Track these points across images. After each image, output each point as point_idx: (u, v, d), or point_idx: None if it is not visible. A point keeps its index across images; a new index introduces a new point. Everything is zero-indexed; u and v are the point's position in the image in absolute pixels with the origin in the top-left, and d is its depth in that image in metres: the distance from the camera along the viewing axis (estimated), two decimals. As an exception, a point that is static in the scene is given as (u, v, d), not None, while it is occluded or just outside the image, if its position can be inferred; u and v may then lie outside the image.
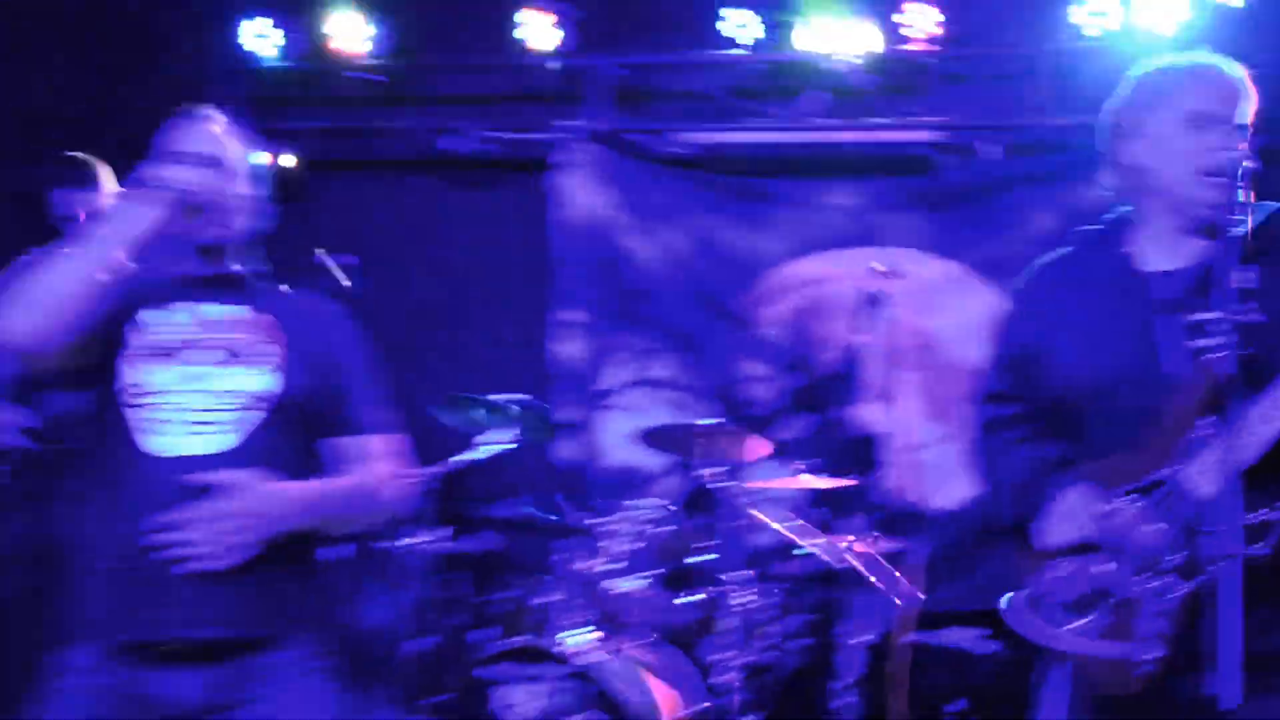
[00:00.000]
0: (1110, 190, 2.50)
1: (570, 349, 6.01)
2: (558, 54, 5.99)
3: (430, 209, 6.19)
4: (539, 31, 5.95)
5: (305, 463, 2.39)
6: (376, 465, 2.43)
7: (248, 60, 6.36)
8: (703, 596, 4.25)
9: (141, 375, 2.25)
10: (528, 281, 6.03)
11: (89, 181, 3.97)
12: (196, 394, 2.28)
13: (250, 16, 6.30)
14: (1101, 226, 2.51)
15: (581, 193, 6.01)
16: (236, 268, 2.43)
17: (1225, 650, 1.88)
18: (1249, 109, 2.31)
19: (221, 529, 2.17)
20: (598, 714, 3.78)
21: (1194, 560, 2.18)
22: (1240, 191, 2.22)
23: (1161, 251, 2.38)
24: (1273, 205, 2.30)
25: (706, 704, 4.10)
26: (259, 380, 2.32)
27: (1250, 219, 2.21)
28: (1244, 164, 2.22)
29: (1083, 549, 2.34)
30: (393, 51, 6.31)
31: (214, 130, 2.40)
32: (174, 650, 2.19)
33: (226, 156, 2.37)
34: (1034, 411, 2.51)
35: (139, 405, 2.24)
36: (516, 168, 6.30)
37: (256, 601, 2.26)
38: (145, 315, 2.32)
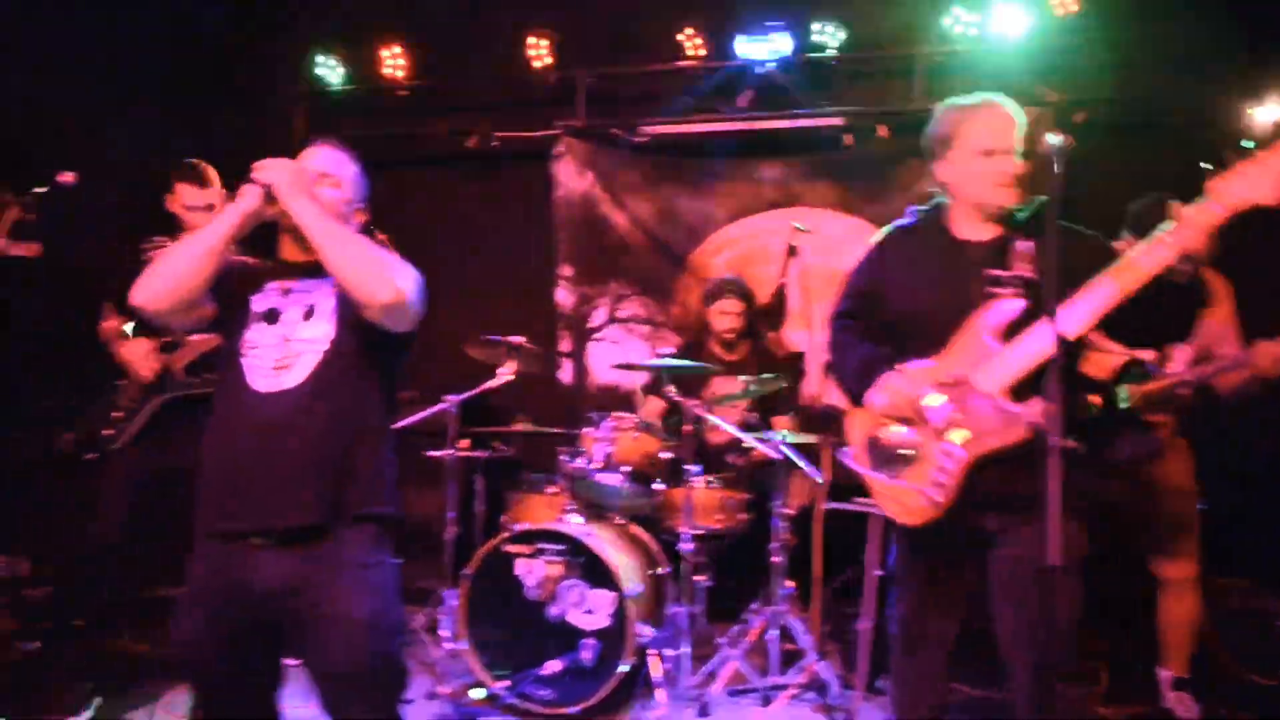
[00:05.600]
0: (937, 186, 2.64)
1: (567, 296, 5.73)
2: (549, 68, 5.59)
3: (458, 194, 6.04)
4: (535, 51, 5.57)
5: (363, 393, 2.28)
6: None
7: (318, 85, 6.39)
8: (665, 486, 4.03)
9: (253, 335, 2.29)
10: (535, 245, 5.85)
11: (203, 180, 3.93)
12: (283, 345, 2.27)
13: (319, 52, 6.34)
14: (930, 208, 2.66)
15: (571, 175, 5.83)
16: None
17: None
18: (1021, 135, 2.46)
19: None
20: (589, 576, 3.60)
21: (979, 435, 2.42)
22: (1018, 192, 2.46)
23: (971, 227, 2.56)
24: (1042, 198, 2.44)
25: (670, 568, 3.92)
26: (323, 329, 2.28)
27: (1029, 209, 2.49)
28: (1018, 174, 2.44)
29: (896, 418, 2.52)
30: (423, 73, 6.24)
31: (328, 153, 2.43)
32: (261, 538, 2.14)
33: (338, 173, 2.40)
34: (872, 327, 2.68)
35: (249, 356, 2.26)
36: (523, 158, 6.25)
37: (328, 494, 2.14)
38: (262, 290, 2.35)
